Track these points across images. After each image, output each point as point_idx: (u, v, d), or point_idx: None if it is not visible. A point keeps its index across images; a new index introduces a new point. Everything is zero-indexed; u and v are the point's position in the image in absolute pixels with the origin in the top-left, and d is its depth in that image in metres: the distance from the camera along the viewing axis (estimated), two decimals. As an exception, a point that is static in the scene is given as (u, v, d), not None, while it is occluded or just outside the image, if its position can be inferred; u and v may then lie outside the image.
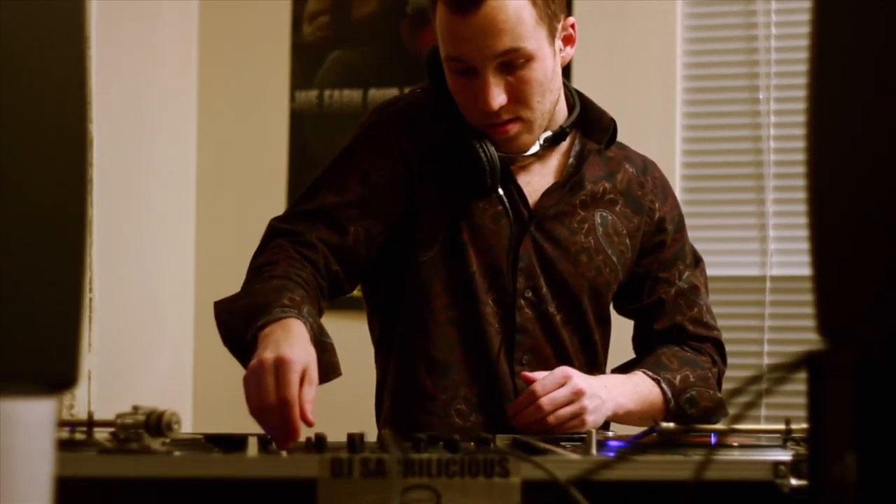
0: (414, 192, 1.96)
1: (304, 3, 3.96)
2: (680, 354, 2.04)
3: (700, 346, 2.08)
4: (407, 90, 2.18)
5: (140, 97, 3.72)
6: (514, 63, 1.86)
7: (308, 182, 2.02)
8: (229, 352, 1.78)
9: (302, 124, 3.94)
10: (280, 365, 1.55)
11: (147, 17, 3.75)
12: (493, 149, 1.91)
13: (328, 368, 1.76)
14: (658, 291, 2.08)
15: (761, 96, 3.66)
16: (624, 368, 2.04)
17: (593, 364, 2.04)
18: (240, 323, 1.73)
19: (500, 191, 1.94)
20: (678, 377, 1.99)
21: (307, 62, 3.95)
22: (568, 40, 1.95)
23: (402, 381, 2.00)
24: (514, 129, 1.92)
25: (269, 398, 1.53)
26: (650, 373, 1.98)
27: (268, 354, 1.57)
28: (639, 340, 2.12)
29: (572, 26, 1.95)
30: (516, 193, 1.98)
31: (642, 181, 2.09)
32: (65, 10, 0.88)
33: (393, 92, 3.79)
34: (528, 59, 1.86)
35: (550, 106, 1.94)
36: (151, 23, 3.78)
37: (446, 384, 1.96)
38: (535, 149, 1.97)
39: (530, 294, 1.98)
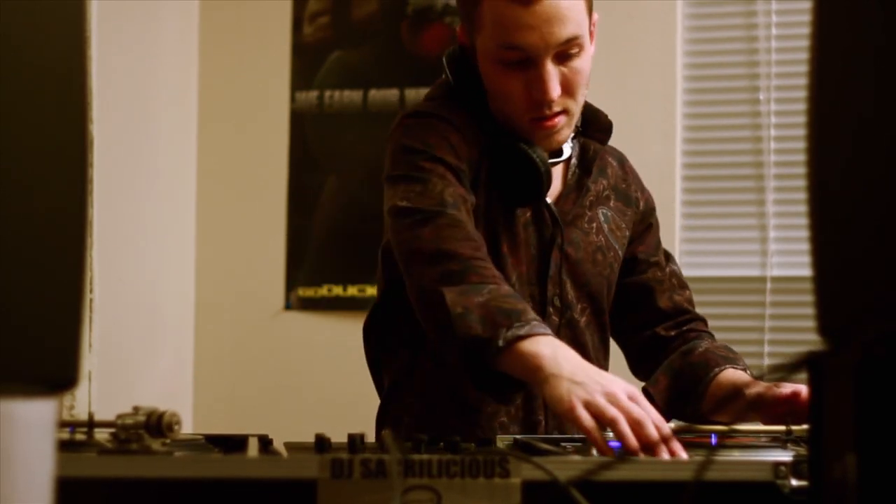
0: (476, 197, 1.90)
1: (304, 3, 3.96)
2: (715, 347, 2.04)
3: (704, 332, 2.10)
4: (407, 91, 2.16)
5: (140, 98, 3.72)
6: (568, 53, 1.85)
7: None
8: (443, 343, 1.72)
9: (302, 125, 3.94)
10: (632, 397, 1.51)
11: (147, 17, 3.75)
12: (544, 154, 1.90)
13: None
14: (651, 271, 2.09)
15: (762, 97, 3.66)
16: (691, 377, 2.00)
17: (605, 358, 2.05)
18: (482, 322, 1.66)
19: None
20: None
21: (307, 63, 3.95)
22: (592, 36, 1.95)
23: (441, 388, 1.95)
24: (560, 121, 1.90)
25: (640, 417, 1.48)
26: (740, 365, 1.97)
27: (617, 389, 1.51)
28: (633, 319, 2.10)
29: (594, 23, 1.95)
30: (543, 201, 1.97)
31: (624, 174, 2.11)
32: (65, 10, 0.88)
33: (393, 92, 3.80)
34: (581, 48, 1.86)
35: (584, 100, 1.95)
36: (152, 23, 3.78)
37: None
38: (567, 150, 1.97)
39: (557, 301, 1.96)
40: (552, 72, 1.84)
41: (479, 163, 1.91)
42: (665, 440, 1.43)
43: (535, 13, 1.82)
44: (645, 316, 2.09)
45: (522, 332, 1.62)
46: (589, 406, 1.48)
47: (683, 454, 1.42)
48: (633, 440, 1.43)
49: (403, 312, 1.97)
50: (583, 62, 1.87)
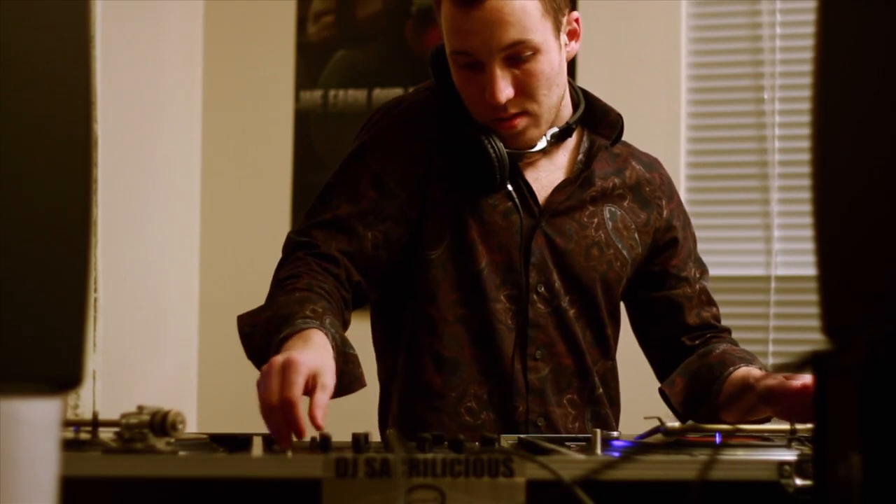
0: (426, 190, 1.96)
1: (308, 2, 3.96)
2: (733, 349, 2.06)
3: (726, 338, 2.12)
4: (411, 90, 2.18)
5: (145, 97, 3.73)
6: (520, 56, 1.87)
7: (320, 186, 2.02)
8: (254, 366, 1.77)
9: (307, 124, 3.94)
10: (287, 366, 1.53)
11: (152, 16, 3.75)
12: (500, 144, 1.92)
13: (351, 378, 1.74)
14: (681, 287, 2.10)
15: (766, 96, 3.66)
16: (707, 378, 2.01)
17: (606, 357, 2.06)
18: (262, 335, 1.73)
19: (510, 186, 1.95)
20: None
21: (312, 62, 3.95)
22: (573, 35, 1.96)
23: (411, 380, 1.99)
24: (521, 123, 1.93)
25: (273, 397, 1.52)
26: (756, 365, 1.99)
27: (278, 358, 1.56)
28: (660, 331, 2.11)
29: (577, 21, 1.96)
30: (525, 189, 1.99)
31: (650, 178, 2.11)
32: (69, 9, 0.88)
33: (397, 92, 3.79)
34: (535, 51, 1.87)
35: (557, 100, 1.95)
36: (156, 22, 3.79)
37: (455, 382, 1.96)
38: (541, 144, 1.98)
39: (543, 289, 1.98)
40: (499, 75, 1.87)
41: (433, 154, 1.96)
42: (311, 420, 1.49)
43: (476, 18, 1.85)
44: (671, 329, 2.10)
45: (284, 332, 1.67)
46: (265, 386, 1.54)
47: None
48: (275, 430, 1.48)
49: (383, 317, 2.05)
50: (539, 65, 1.89)
